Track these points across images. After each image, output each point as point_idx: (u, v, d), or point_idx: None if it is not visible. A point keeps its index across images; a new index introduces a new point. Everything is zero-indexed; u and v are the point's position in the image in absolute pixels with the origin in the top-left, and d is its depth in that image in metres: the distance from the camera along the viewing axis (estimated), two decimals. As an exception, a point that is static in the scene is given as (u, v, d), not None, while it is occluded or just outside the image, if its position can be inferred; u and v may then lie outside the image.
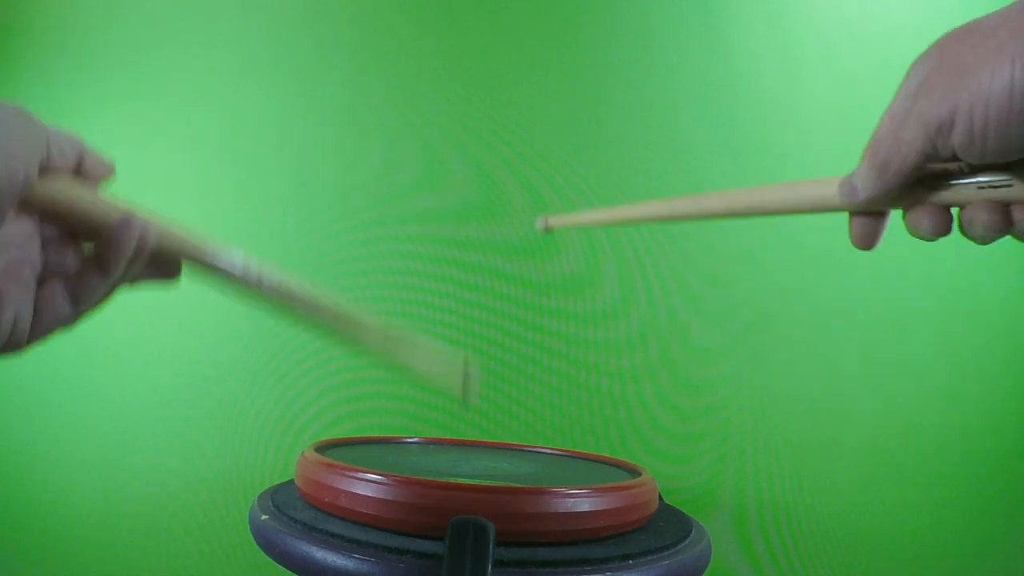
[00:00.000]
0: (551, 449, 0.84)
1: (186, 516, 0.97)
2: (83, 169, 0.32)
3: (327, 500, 0.56)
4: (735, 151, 1.09)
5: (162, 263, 0.35)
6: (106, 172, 0.33)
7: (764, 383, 1.04)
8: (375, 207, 1.04)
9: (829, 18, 1.14)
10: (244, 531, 0.60)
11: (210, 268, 0.36)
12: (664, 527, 0.61)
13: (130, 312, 0.98)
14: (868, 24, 1.14)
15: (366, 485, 0.53)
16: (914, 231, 0.32)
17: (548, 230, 0.51)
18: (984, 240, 0.30)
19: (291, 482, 0.66)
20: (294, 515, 0.55)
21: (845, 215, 0.36)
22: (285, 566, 0.51)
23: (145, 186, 1.03)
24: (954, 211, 0.32)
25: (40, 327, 0.31)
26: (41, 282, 0.31)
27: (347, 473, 0.55)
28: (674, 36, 1.10)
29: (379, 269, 1.02)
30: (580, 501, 0.53)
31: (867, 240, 0.36)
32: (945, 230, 0.32)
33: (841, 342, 1.06)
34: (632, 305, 1.03)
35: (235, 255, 0.36)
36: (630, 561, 0.51)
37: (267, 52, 1.07)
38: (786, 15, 1.13)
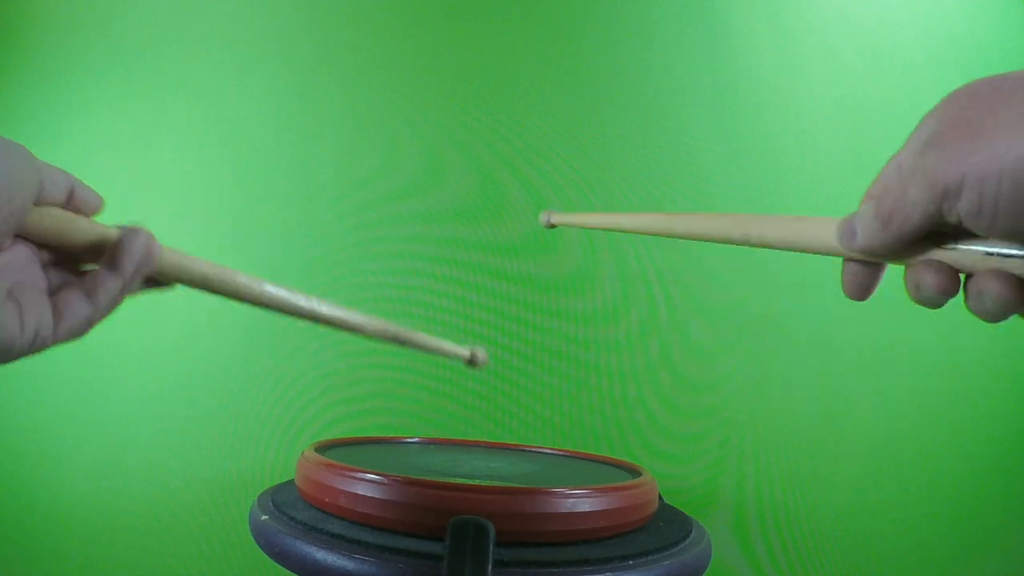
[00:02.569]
0: (551, 449, 0.84)
1: (186, 516, 0.97)
2: (74, 202, 0.33)
3: (327, 500, 0.56)
4: (735, 150, 1.08)
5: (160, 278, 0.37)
6: (96, 205, 0.34)
7: (764, 383, 1.04)
8: (375, 207, 1.04)
9: (829, 18, 1.14)
10: (244, 531, 0.60)
11: (215, 292, 0.37)
12: (664, 527, 0.61)
13: (130, 312, 0.97)
14: (868, 24, 1.14)
15: (366, 485, 0.53)
16: (914, 290, 0.29)
17: (551, 226, 0.52)
18: (995, 316, 0.27)
19: (291, 482, 0.66)
20: (294, 515, 0.55)
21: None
22: (285, 566, 0.51)
23: (145, 186, 1.04)
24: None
25: (63, 328, 0.32)
26: (56, 291, 0.33)
27: (347, 473, 0.55)
28: (674, 36, 1.10)
29: (379, 269, 1.02)
30: (580, 501, 0.53)
31: (860, 290, 0.33)
32: (951, 291, 0.28)
33: (841, 342, 1.06)
34: (632, 305, 1.03)
35: (239, 278, 0.37)
36: (630, 561, 0.51)
37: (267, 52, 1.07)
38: (786, 15, 1.13)
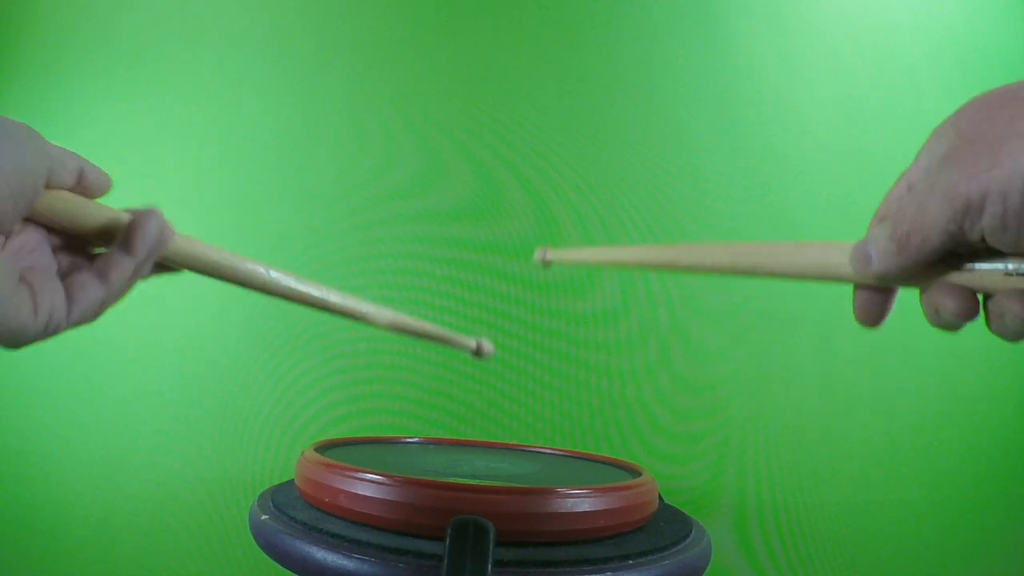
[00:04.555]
0: (551, 449, 0.84)
1: (186, 516, 0.97)
2: (83, 184, 0.33)
3: (327, 500, 0.55)
4: (735, 149, 1.08)
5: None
6: (105, 186, 0.34)
7: (764, 383, 1.04)
8: (375, 207, 1.04)
9: (829, 18, 1.14)
10: (244, 531, 0.60)
11: (226, 279, 0.37)
12: (664, 527, 0.61)
13: (130, 312, 0.97)
14: (868, 24, 1.14)
15: (366, 485, 0.53)
16: (933, 315, 0.28)
17: (546, 263, 0.49)
18: (1017, 336, 0.26)
19: (291, 482, 0.66)
20: (294, 515, 0.55)
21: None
22: (285, 566, 0.51)
23: (145, 186, 1.04)
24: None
25: (76, 311, 0.32)
26: (68, 274, 0.32)
27: (347, 473, 0.55)
28: (674, 36, 1.10)
29: (379, 269, 1.02)
30: (580, 501, 0.53)
31: (873, 316, 0.32)
32: (970, 314, 0.27)
33: (841, 342, 1.06)
34: (632, 305, 1.03)
35: (248, 265, 0.38)
36: (630, 561, 0.51)
37: (267, 52, 1.07)
38: (786, 15, 1.13)
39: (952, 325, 0.28)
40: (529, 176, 1.05)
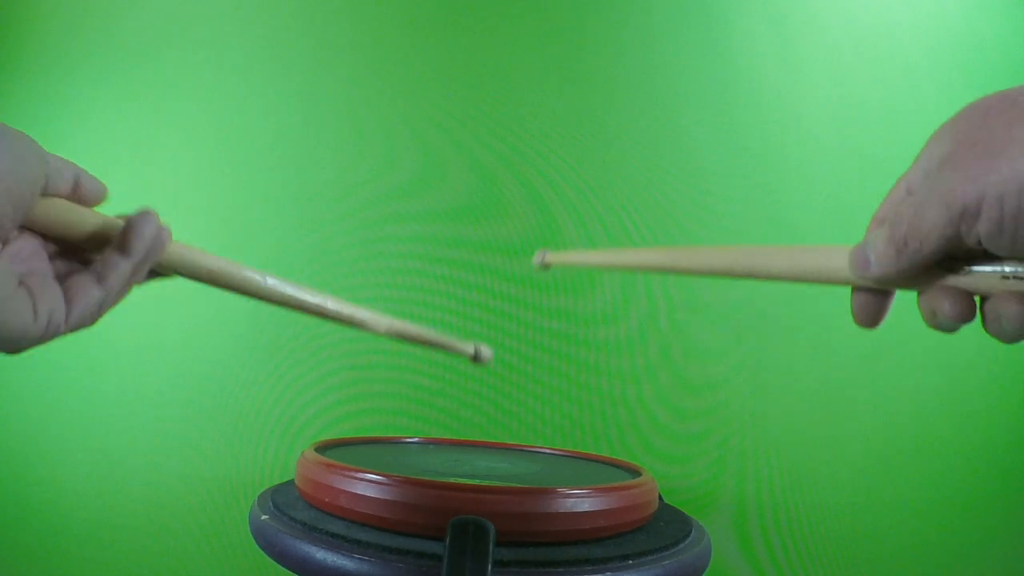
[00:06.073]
0: (551, 449, 0.84)
1: (186, 516, 0.97)
2: (79, 192, 0.33)
3: (327, 500, 0.55)
4: (735, 150, 1.08)
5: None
6: (101, 195, 0.34)
7: (764, 383, 1.04)
8: (375, 207, 1.04)
9: (829, 18, 1.14)
10: (244, 531, 0.60)
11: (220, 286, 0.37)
12: (664, 527, 0.61)
13: (130, 312, 0.97)
14: (868, 24, 1.14)
15: (366, 485, 0.53)
16: (930, 317, 0.29)
17: (545, 266, 0.49)
18: (1013, 338, 0.26)
19: (291, 482, 0.66)
20: (294, 515, 0.55)
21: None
22: (285, 566, 0.51)
23: (144, 186, 1.04)
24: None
25: (76, 314, 0.32)
26: (65, 278, 0.33)
27: (347, 473, 0.55)
28: (675, 36, 1.10)
29: (379, 269, 1.02)
30: (580, 501, 0.53)
31: (871, 319, 0.32)
32: (967, 316, 0.28)
33: (840, 341, 1.06)
34: (632, 305, 1.03)
35: (244, 272, 0.37)
36: (630, 561, 0.51)
37: (267, 52, 1.07)
38: (786, 15, 1.13)
39: (949, 327, 0.28)
40: (529, 176, 1.05)
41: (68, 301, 0.32)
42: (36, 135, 0.33)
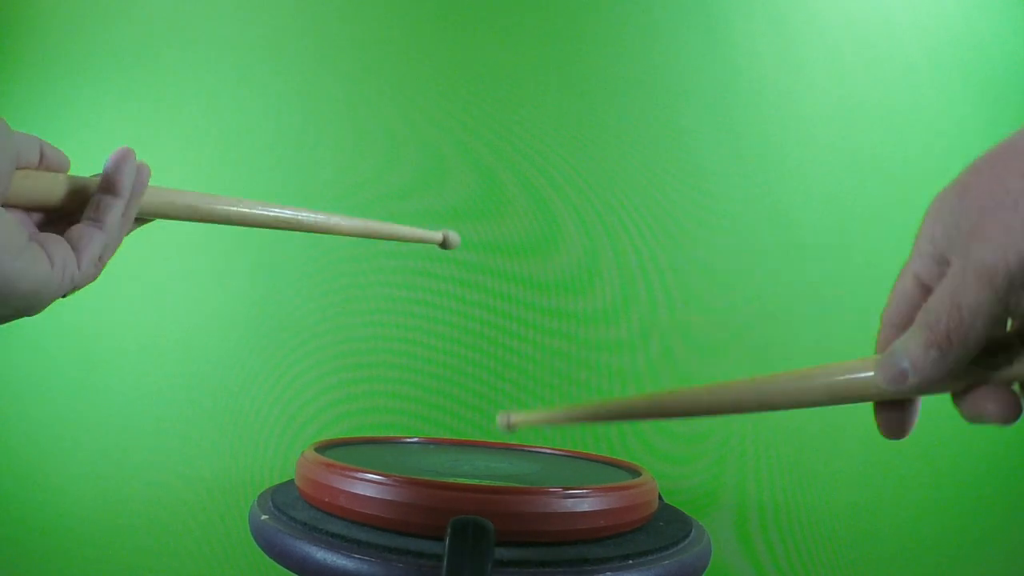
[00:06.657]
0: (551, 449, 0.84)
1: (186, 516, 0.97)
2: (45, 163, 0.34)
3: (327, 500, 0.55)
4: (735, 150, 1.08)
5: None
6: (64, 165, 0.36)
7: (764, 383, 1.04)
8: (375, 207, 1.04)
9: (829, 18, 1.14)
10: (244, 531, 0.60)
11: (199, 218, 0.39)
12: (664, 527, 0.61)
13: (129, 312, 0.98)
14: (868, 24, 1.14)
15: (366, 485, 0.53)
16: (975, 418, 0.26)
17: (511, 428, 0.42)
18: None
19: (291, 482, 0.66)
20: (294, 515, 0.55)
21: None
22: (285, 566, 0.51)
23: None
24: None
25: (85, 259, 0.33)
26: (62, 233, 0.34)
27: (347, 473, 0.55)
28: (675, 36, 1.10)
29: (379, 268, 1.02)
30: (580, 501, 0.53)
31: (901, 429, 0.30)
32: (1015, 413, 0.25)
33: (842, 340, 1.06)
34: (632, 304, 1.03)
35: (218, 203, 0.40)
36: (630, 561, 0.51)
37: (267, 52, 1.07)
38: (786, 15, 1.13)
39: (997, 424, 0.26)
40: (529, 176, 1.05)
41: (75, 248, 0.33)
42: (36, 135, 0.33)
